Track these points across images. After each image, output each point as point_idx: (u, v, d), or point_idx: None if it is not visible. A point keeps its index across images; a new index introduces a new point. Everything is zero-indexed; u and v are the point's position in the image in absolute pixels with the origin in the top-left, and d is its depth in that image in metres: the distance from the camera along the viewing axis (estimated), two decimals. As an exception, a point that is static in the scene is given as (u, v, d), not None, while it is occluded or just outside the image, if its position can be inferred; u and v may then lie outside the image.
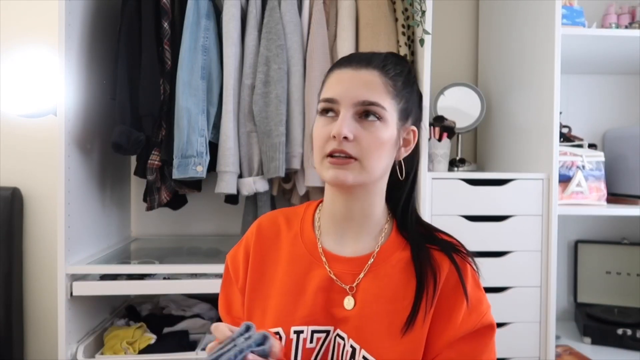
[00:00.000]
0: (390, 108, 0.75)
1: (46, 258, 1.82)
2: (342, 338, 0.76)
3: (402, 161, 0.81)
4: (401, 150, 0.80)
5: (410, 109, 0.80)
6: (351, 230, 0.81)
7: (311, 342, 0.75)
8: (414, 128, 0.82)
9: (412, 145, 0.82)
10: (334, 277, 0.79)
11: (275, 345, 0.70)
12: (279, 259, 0.84)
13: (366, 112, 0.74)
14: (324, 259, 0.81)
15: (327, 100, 0.76)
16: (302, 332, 0.76)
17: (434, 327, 0.75)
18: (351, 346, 0.75)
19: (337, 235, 0.82)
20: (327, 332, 0.77)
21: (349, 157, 0.73)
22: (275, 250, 0.84)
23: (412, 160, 0.84)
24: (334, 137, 0.73)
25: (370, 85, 0.75)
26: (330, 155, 0.74)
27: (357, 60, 0.77)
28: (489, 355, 0.77)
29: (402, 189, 0.84)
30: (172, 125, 1.46)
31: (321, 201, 0.88)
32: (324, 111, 0.77)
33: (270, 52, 1.47)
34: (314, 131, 0.78)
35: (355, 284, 0.78)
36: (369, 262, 0.79)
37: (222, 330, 0.68)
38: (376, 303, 0.76)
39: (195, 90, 1.44)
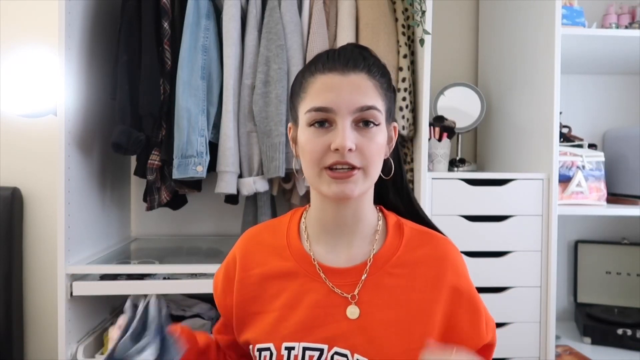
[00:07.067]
0: (382, 110, 0.73)
1: (46, 258, 1.82)
2: (344, 355, 0.72)
3: (389, 159, 0.80)
4: (386, 148, 0.78)
5: (392, 107, 0.78)
6: (344, 238, 0.78)
7: (303, 359, 0.72)
8: (395, 124, 0.81)
9: (394, 142, 0.81)
10: (334, 288, 0.75)
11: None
12: (267, 274, 0.79)
13: (364, 119, 0.71)
14: (319, 271, 0.77)
15: (321, 109, 0.70)
16: (293, 348, 0.73)
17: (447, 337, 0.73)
18: None
19: (329, 244, 0.78)
20: (321, 350, 0.72)
21: (353, 167, 0.70)
22: (262, 266, 0.80)
23: (394, 154, 0.82)
24: (336, 149, 0.69)
25: (363, 89, 0.71)
26: (330, 167, 0.70)
27: (341, 63, 0.72)
28: None
29: (389, 184, 0.84)
30: (172, 125, 1.46)
31: (306, 208, 0.84)
32: (316, 121, 0.71)
33: (270, 52, 1.47)
34: (304, 144, 0.73)
35: (356, 292, 0.75)
36: (367, 269, 0.76)
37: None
38: (381, 311, 0.73)
39: (195, 90, 1.44)
